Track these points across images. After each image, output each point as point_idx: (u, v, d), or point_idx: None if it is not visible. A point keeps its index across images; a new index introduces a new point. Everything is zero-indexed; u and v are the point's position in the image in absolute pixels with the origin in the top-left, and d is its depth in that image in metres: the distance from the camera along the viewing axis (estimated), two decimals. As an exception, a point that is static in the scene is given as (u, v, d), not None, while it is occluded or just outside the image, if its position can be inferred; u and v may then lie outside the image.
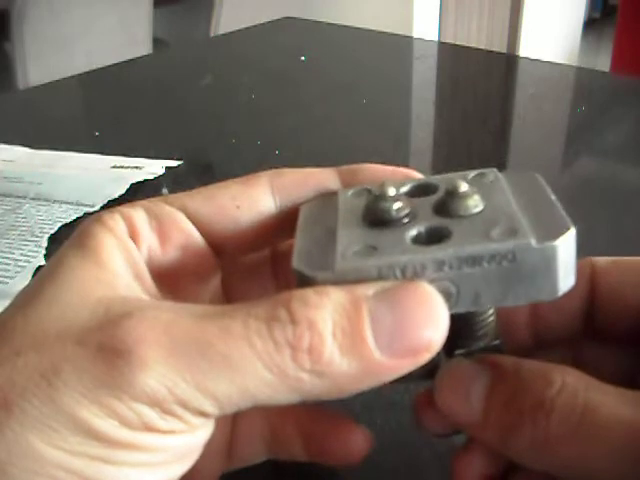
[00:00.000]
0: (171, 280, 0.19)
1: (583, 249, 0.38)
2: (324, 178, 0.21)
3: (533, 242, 0.17)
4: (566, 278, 0.18)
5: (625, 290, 0.21)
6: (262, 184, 0.21)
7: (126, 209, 0.19)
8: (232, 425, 0.23)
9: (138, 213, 0.19)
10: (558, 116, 0.69)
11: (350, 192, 0.20)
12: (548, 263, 0.17)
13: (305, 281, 0.18)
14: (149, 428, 0.15)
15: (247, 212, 0.20)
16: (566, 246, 0.17)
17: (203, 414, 0.16)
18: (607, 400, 0.17)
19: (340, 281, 0.17)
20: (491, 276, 0.17)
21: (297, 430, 0.23)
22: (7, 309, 0.18)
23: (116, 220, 0.19)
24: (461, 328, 0.20)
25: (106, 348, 0.15)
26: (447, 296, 0.17)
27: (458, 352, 0.20)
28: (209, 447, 0.18)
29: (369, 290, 0.16)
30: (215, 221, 0.20)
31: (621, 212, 0.48)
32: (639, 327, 0.21)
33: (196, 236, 0.20)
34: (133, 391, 0.15)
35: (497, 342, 0.21)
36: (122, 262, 0.18)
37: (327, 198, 0.21)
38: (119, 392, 0.15)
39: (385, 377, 0.16)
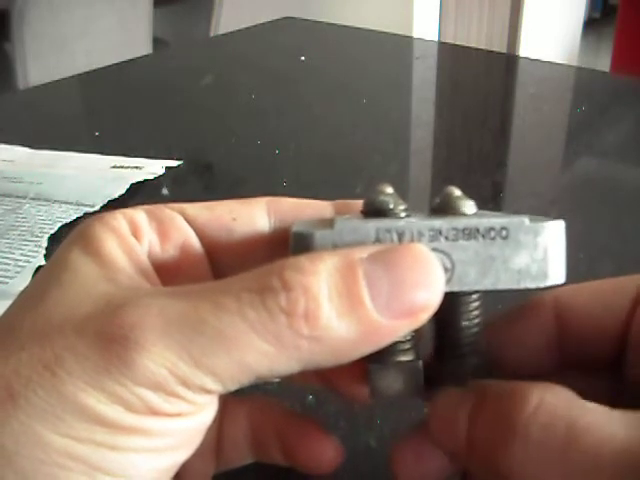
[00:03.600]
0: (171, 278, 0.20)
1: (583, 249, 0.38)
2: (320, 208, 0.22)
3: (526, 221, 0.18)
4: (556, 268, 0.18)
5: (591, 316, 0.21)
6: (259, 205, 0.21)
7: (127, 210, 0.20)
8: (218, 425, 0.23)
9: (139, 214, 0.20)
10: (558, 116, 0.69)
11: (346, 216, 0.20)
12: (536, 240, 0.18)
13: (302, 244, 0.18)
14: (154, 412, 0.16)
15: (242, 225, 0.21)
16: (555, 233, 0.18)
17: (206, 391, 0.16)
18: (595, 420, 0.15)
19: (337, 242, 0.17)
20: (485, 251, 0.18)
21: (275, 433, 0.23)
22: (11, 308, 0.18)
23: (118, 219, 0.19)
24: (446, 341, 0.20)
25: (104, 335, 0.15)
26: (443, 270, 0.17)
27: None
28: (199, 446, 0.18)
29: (364, 253, 0.16)
30: (211, 227, 0.21)
31: (621, 212, 0.48)
32: (611, 350, 0.21)
33: (194, 238, 0.21)
34: (134, 376, 0.15)
35: (481, 363, 0.20)
36: (124, 259, 0.18)
37: (322, 220, 0.21)
38: (121, 378, 0.15)
39: (383, 340, 0.16)
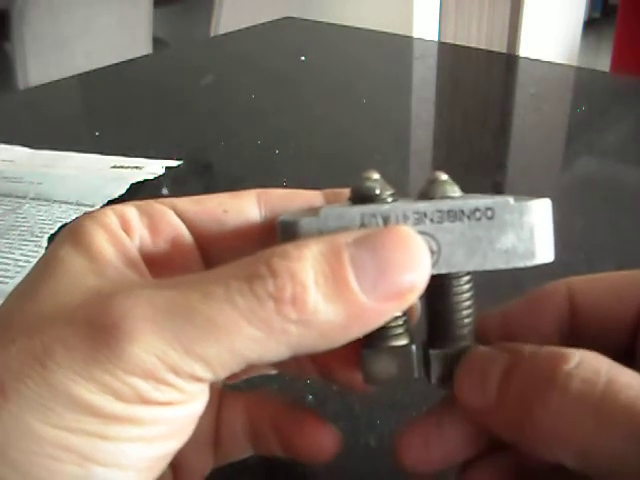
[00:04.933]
0: (162, 271, 0.20)
1: (584, 249, 0.38)
2: (310, 197, 0.22)
3: (511, 200, 0.18)
4: (543, 247, 0.18)
5: (605, 307, 0.21)
6: (250, 196, 0.22)
7: (118, 206, 0.20)
8: (216, 419, 0.23)
9: (130, 209, 0.20)
10: (558, 116, 0.69)
11: (335, 205, 0.20)
12: (522, 219, 0.18)
13: (289, 232, 0.18)
14: (145, 401, 0.16)
15: (233, 217, 0.21)
16: (541, 211, 0.18)
17: (197, 379, 0.16)
18: (632, 382, 0.16)
19: (323, 229, 0.18)
20: (471, 232, 0.18)
21: (272, 425, 0.23)
22: (3, 304, 0.18)
23: (108, 215, 0.19)
24: (439, 326, 0.20)
25: (93, 325, 0.15)
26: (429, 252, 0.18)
27: (433, 352, 0.20)
28: (196, 441, 0.18)
29: (349, 237, 0.16)
30: (202, 220, 0.21)
31: (621, 212, 0.48)
32: (623, 342, 0.21)
33: (185, 231, 0.21)
34: (124, 365, 0.15)
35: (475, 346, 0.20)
36: (114, 252, 0.18)
37: (310, 209, 0.21)
38: (111, 367, 0.15)
39: (371, 323, 0.16)
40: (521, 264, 0.18)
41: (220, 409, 0.23)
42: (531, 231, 0.18)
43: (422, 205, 0.18)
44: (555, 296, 0.21)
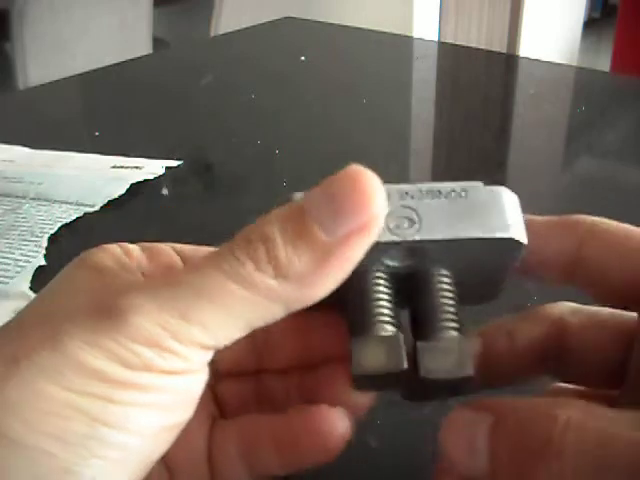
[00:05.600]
0: None
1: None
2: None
3: (481, 185, 0.20)
4: (516, 226, 0.20)
5: (594, 339, 0.21)
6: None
7: (122, 243, 0.22)
8: (209, 446, 0.22)
9: (132, 245, 0.22)
10: (558, 116, 0.69)
11: None
12: (494, 199, 0.20)
13: None
14: (149, 367, 0.17)
15: None
16: (510, 198, 0.21)
17: (198, 345, 0.17)
18: (619, 427, 0.16)
19: None
20: (449, 207, 0.20)
21: (273, 439, 0.22)
22: (15, 318, 0.19)
23: (112, 246, 0.21)
24: (424, 320, 0.20)
25: (99, 304, 0.17)
26: (410, 222, 0.19)
27: (420, 343, 0.20)
28: (190, 467, 0.20)
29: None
30: (197, 256, 0.22)
31: (621, 212, 0.48)
32: (609, 366, 0.21)
33: (179, 262, 0.22)
34: (128, 333, 0.17)
35: (470, 373, 0.20)
36: (117, 268, 0.20)
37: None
38: (116, 335, 0.16)
39: (343, 263, 0.17)
40: (498, 235, 0.19)
41: (213, 435, 0.22)
42: (502, 208, 0.20)
43: (405, 186, 0.20)
44: (575, 230, 0.22)
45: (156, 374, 0.17)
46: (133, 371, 0.17)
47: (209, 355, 0.18)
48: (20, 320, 0.19)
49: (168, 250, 0.22)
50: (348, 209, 0.17)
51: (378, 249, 0.19)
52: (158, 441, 0.18)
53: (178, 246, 0.22)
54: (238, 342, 0.18)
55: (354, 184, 0.17)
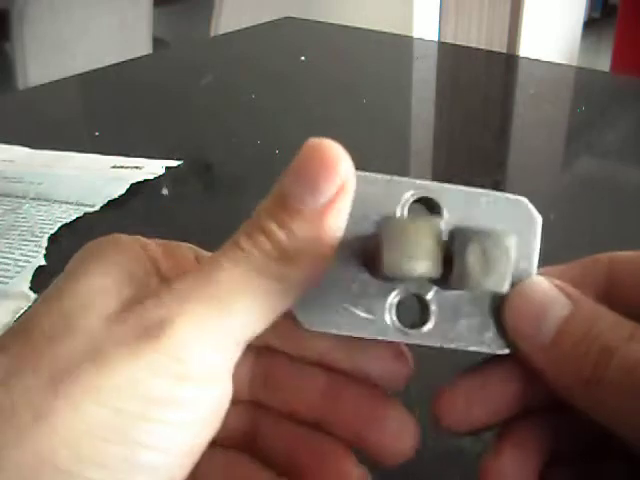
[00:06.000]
0: None
1: (583, 249, 0.38)
2: None
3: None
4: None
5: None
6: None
7: (140, 237, 0.21)
8: (196, 468, 0.21)
9: (151, 240, 0.21)
10: (558, 116, 0.69)
11: None
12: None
13: None
14: (189, 378, 0.17)
15: None
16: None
17: (234, 340, 0.18)
18: None
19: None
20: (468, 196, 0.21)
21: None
22: (34, 306, 0.19)
23: (129, 237, 0.21)
24: None
25: (140, 320, 0.17)
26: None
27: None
28: None
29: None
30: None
31: (621, 212, 0.48)
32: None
33: (193, 262, 0.22)
34: (172, 346, 0.17)
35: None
36: (132, 266, 0.20)
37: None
38: (161, 350, 0.17)
39: (334, 223, 0.18)
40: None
41: (200, 462, 0.21)
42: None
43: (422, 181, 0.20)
44: (597, 265, 0.22)
45: (192, 386, 0.17)
46: (173, 384, 0.17)
47: (238, 355, 0.18)
48: (46, 327, 0.18)
49: (186, 252, 0.22)
50: (321, 180, 0.18)
51: None
52: (190, 457, 0.18)
53: (195, 248, 0.22)
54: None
55: (323, 154, 0.18)
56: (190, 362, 0.17)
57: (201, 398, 0.18)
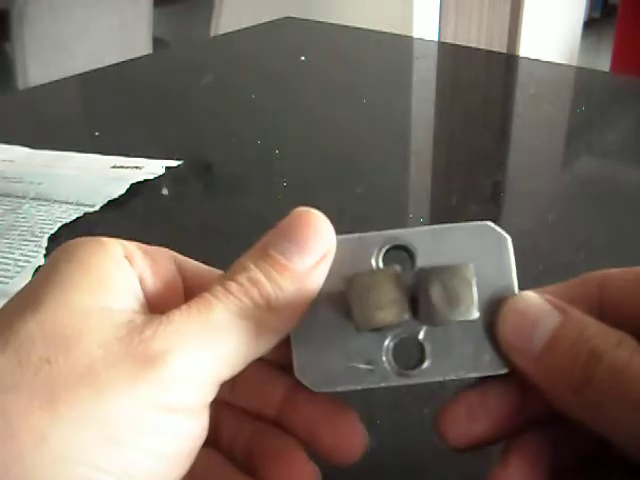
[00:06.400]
0: (157, 302, 0.21)
1: (583, 249, 0.38)
2: None
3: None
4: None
5: (632, 299, 0.22)
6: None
7: (122, 240, 0.22)
8: None
9: (133, 244, 0.22)
10: (558, 116, 0.69)
11: None
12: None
13: None
14: (184, 408, 0.18)
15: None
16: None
17: (217, 378, 0.19)
18: None
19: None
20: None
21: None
22: (6, 314, 0.19)
23: (113, 243, 0.21)
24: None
25: (136, 350, 0.18)
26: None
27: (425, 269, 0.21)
28: None
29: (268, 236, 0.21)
30: (193, 269, 0.23)
31: (621, 212, 0.48)
32: None
33: (177, 277, 0.22)
34: (171, 378, 0.18)
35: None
36: (121, 283, 0.20)
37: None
38: (159, 382, 0.17)
39: (315, 283, 0.21)
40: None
41: None
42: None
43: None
44: (588, 284, 0.22)
45: (177, 418, 0.18)
46: (162, 415, 0.17)
47: (216, 392, 0.19)
48: (26, 337, 0.17)
49: (169, 261, 0.22)
50: (310, 245, 0.20)
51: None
52: None
53: (176, 255, 0.23)
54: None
55: (312, 224, 0.20)
56: (181, 395, 0.18)
57: (184, 431, 0.18)
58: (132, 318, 0.19)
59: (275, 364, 0.23)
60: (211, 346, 0.19)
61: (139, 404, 0.17)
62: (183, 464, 0.19)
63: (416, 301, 0.20)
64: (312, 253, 0.20)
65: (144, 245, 0.22)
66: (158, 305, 0.21)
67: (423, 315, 0.20)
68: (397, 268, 0.20)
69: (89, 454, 0.16)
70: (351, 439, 0.22)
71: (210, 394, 0.19)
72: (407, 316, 0.20)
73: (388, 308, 0.19)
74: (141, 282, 0.21)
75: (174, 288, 0.22)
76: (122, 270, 0.20)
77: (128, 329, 0.18)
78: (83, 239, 0.21)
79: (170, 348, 0.18)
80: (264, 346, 0.20)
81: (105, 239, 0.21)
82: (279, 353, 0.22)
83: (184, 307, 0.19)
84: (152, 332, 0.18)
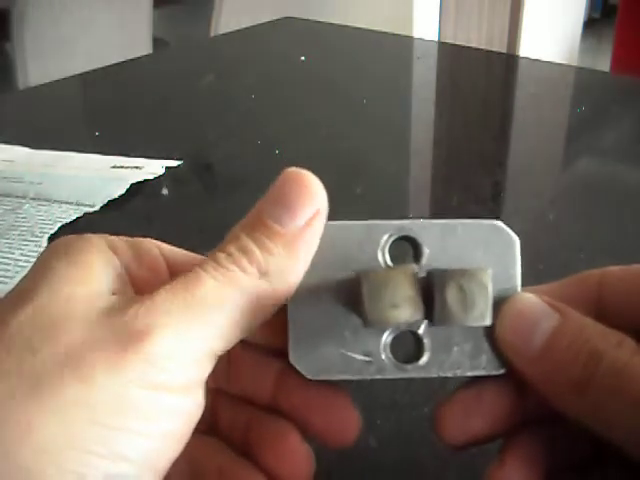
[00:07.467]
0: (144, 289, 0.21)
1: (583, 249, 0.38)
2: None
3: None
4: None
5: (631, 297, 0.22)
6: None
7: (107, 235, 0.22)
8: None
9: (118, 237, 0.22)
10: (558, 116, 0.69)
11: None
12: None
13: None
14: (172, 386, 0.18)
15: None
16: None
17: (212, 352, 0.18)
18: None
19: None
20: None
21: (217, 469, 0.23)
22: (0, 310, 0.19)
23: (97, 237, 0.21)
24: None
25: (120, 330, 0.17)
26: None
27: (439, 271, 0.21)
28: None
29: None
30: (177, 256, 0.23)
31: (621, 212, 0.48)
32: None
33: (163, 265, 0.22)
34: (156, 355, 0.17)
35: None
36: (106, 272, 0.20)
37: None
38: (145, 360, 0.17)
39: (308, 245, 0.20)
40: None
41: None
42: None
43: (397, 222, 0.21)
44: (587, 283, 0.22)
45: (170, 396, 0.18)
46: (153, 394, 0.17)
47: (212, 367, 0.19)
48: (15, 327, 0.18)
49: (153, 250, 0.22)
50: (300, 205, 0.20)
51: None
52: (158, 474, 0.18)
53: (160, 244, 0.23)
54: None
55: (301, 184, 0.20)
56: (170, 371, 0.17)
57: (177, 409, 0.18)
58: (117, 301, 0.19)
59: (270, 349, 0.23)
60: (199, 319, 0.18)
61: (126, 384, 0.17)
62: (179, 443, 0.19)
63: (429, 301, 0.20)
64: (302, 212, 0.20)
65: (127, 237, 0.22)
66: (145, 291, 0.20)
67: (436, 316, 0.20)
68: (414, 267, 0.20)
69: (79, 440, 0.16)
70: (345, 422, 0.22)
71: (203, 370, 0.19)
72: (420, 316, 0.19)
73: (402, 307, 0.19)
74: (127, 270, 0.21)
75: (160, 274, 0.22)
76: (107, 260, 0.20)
77: (112, 311, 0.18)
78: (70, 237, 0.21)
79: (153, 324, 0.17)
80: (260, 316, 0.20)
81: (90, 235, 0.21)
82: (274, 338, 0.22)
83: (168, 285, 0.19)
84: (135, 311, 0.18)
